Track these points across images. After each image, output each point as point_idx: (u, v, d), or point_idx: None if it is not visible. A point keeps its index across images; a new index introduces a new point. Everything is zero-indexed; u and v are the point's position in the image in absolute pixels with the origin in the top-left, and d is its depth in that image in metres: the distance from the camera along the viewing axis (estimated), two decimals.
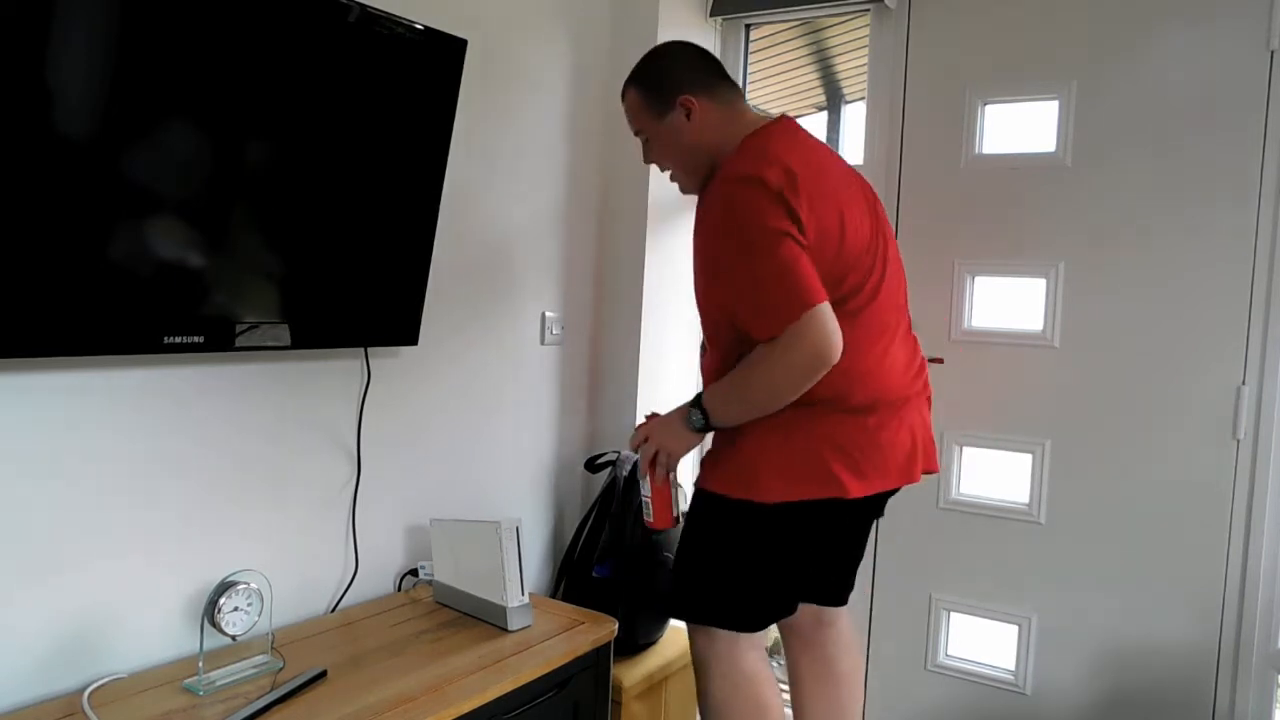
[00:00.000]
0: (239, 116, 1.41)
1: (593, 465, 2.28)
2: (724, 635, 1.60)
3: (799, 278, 1.39)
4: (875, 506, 1.67)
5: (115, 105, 1.26)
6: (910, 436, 1.56)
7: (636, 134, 1.67)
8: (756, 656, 1.61)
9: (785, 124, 1.56)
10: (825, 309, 1.39)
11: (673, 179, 1.69)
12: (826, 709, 1.77)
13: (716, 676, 1.60)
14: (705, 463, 1.62)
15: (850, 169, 1.62)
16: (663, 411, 1.65)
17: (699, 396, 1.55)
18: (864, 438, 1.50)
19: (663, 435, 1.59)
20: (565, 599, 2.13)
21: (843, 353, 1.41)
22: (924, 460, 1.61)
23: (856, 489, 1.48)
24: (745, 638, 1.60)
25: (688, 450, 1.60)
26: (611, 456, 2.24)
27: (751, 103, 1.70)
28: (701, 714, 1.68)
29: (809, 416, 1.47)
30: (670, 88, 1.58)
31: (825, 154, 1.56)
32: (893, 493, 1.64)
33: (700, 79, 1.58)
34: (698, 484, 1.62)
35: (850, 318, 1.47)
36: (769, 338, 1.41)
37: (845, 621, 1.81)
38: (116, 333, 1.33)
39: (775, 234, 1.39)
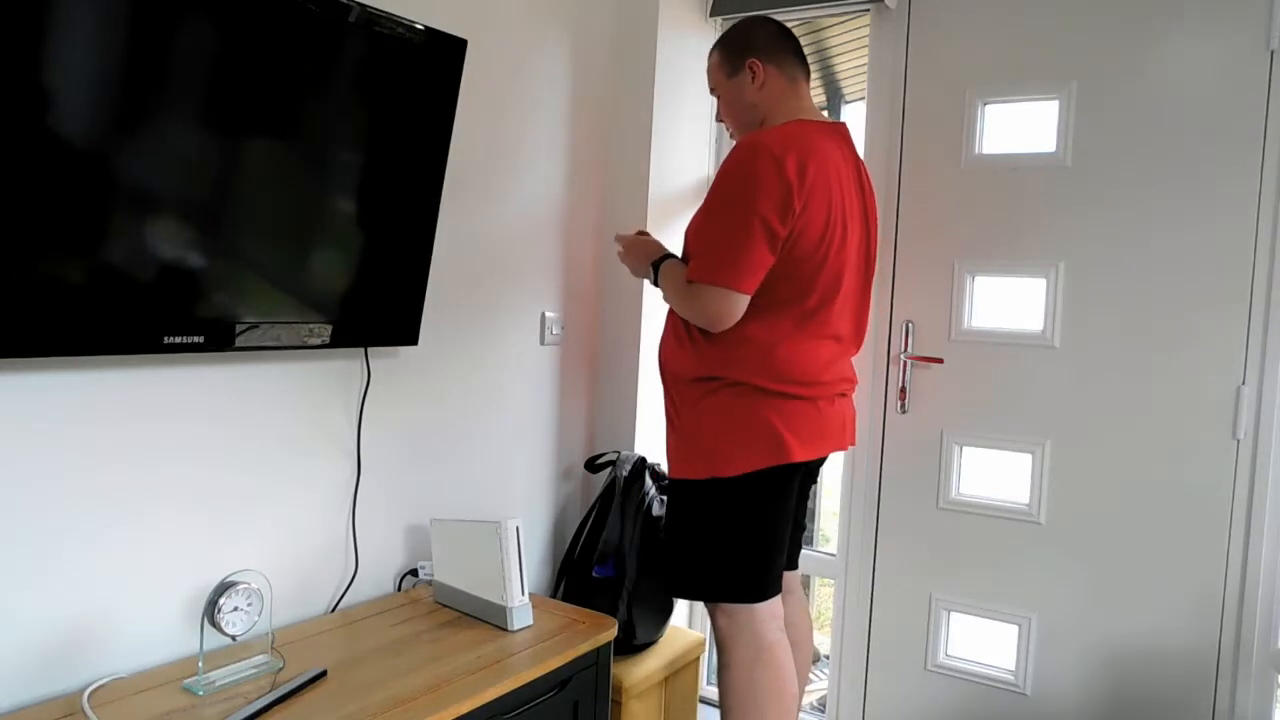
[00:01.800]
0: (238, 116, 1.41)
1: (593, 465, 2.28)
2: (741, 610, 1.68)
3: (742, 261, 1.56)
4: (813, 472, 1.91)
5: (117, 105, 1.26)
6: (841, 413, 1.78)
7: (711, 92, 1.85)
8: (776, 627, 1.70)
9: (835, 127, 1.72)
10: (736, 296, 1.58)
11: (731, 136, 1.89)
12: None
13: (739, 649, 1.68)
14: (670, 456, 1.76)
15: (866, 197, 1.77)
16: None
17: (667, 260, 1.74)
18: (807, 412, 1.67)
19: (633, 255, 1.84)
20: (565, 599, 2.13)
21: (798, 353, 1.63)
22: (850, 435, 1.83)
23: (801, 454, 1.65)
24: (761, 610, 1.68)
25: (637, 275, 1.85)
26: (611, 456, 2.24)
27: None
28: (721, 692, 1.71)
29: (759, 402, 1.64)
30: (742, 50, 1.75)
31: (848, 173, 1.70)
32: (823, 460, 1.87)
33: (772, 50, 1.74)
34: (668, 476, 1.77)
35: (808, 321, 1.65)
36: (689, 280, 1.64)
37: (800, 591, 2.00)
38: (117, 333, 1.33)
39: (756, 216, 1.55)
